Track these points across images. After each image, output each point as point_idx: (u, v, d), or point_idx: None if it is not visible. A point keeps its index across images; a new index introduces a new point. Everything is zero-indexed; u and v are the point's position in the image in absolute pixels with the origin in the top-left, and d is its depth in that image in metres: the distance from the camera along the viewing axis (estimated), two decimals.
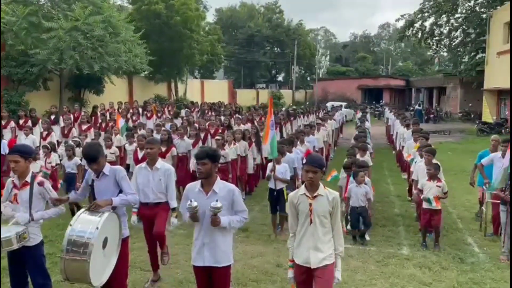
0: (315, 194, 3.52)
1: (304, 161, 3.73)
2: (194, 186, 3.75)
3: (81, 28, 16.19)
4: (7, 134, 10.44)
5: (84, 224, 3.56)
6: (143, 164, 5.02)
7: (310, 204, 3.50)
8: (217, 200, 3.47)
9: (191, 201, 3.53)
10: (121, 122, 11.34)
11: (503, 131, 21.27)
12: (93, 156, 3.95)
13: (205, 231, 3.64)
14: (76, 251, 3.45)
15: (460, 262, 5.96)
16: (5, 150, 8.79)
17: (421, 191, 6.57)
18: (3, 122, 11.00)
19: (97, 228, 3.50)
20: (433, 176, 6.47)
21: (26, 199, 3.92)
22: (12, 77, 17.00)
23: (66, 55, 16.02)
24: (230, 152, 8.34)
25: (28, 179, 3.96)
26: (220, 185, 3.68)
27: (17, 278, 4.02)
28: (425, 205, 6.46)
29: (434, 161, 6.77)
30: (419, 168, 7.05)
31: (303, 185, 3.60)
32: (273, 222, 7.01)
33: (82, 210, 3.76)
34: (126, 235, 4.13)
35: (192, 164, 8.60)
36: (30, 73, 16.54)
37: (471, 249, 6.54)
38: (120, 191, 4.03)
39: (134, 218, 5.07)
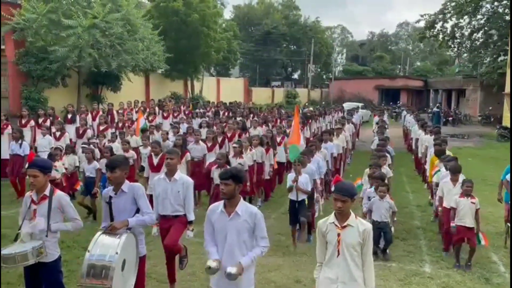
0: (345, 224, 3.32)
1: (333, 188, 3.54)
2: (217, 207, 3.63)
3: (100, 25, 16.24)
4: (27, 133, 10.46)
5: (103, 248, 3.49)
6: (162, 175, 4.94)
7: (339, 235, 3.32)
8: (228, 268, 3.35)
9: (210, 260, 3.45)
10: (141, 121, 11.33)
11: None
12: (111, 164, 3.96)
13: (227, 255, 3.51)
14: (97, 276, 3.38)
15: (486, 283, 5.74)
16: (26, 151, 8.82)
17: (454, 209, 6.27)
18: (23, 121, 11.06)
19: (117, 253, 3.44)
20: (467, 193, 6.20)
21: (45, 213, 3.87)
22: (31, 74, 17.15)
23: (84, 53, 16.09)
24: (247, 159, 8.21)
25: (46, 192, 3.90)
26: (243, 207, 3.55)
27: None
28: (458, 222, 6.19)
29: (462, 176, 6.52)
30: (444, 184, 6.74)
31: (333, 214, 3.41)
32: (293, 234, 6.88)
33: (99, 233, 3.68)
34: (143, 253, 4.06)
35: (212, 171, 8.52)
36: (49, 69, 16.67)
37: (496, 267, 6.30)
38: (138, 209, 3.96)
39: (154, 230, 5.05)
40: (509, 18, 27.07)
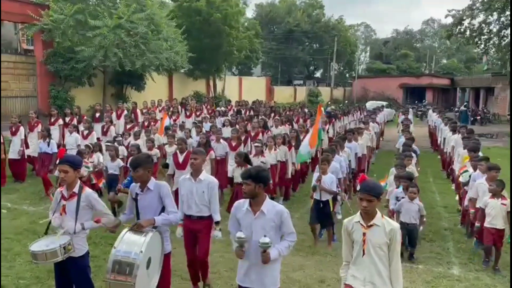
0: (371, 223, 3.26)
1: (359, 187, 3.47)
2: (242, 204, 3.62)
3: (125, 25, 16.50)
4: (55, 132, 10.72)
5: (129, 245, 3.53)
6: (187, 175, 4.94)
7: (364, 234, 3.26)
8: (265, 236, 3.34)
9: (240, 231, 3.46)
10: (166, 121, 11.46)
11: None
12: (133, 163, 4.00)
13: (253, 252, 3.51)
14: (122, 273, 3.42)
15: None
16: (54, 149, 9.04)
17: (483, 210, 6.12)
18: (52, 119, 11.33)
19: (141, 252, 3.47)
20: (497, 193, 6.02)
21: (73, 210, 3.93)
22: (59, 73, 17.59)
23: (110, 52, 16.39)
24: (269, 158, 8.17)
25: (76, 190, 3.96)
26: (269, 206, 3.53)
27: None
28: (488, 224, 6.02)
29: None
30: (479, 185, 6.48)
31: (358, 212, 3.35)
32: (313, 231, 6.81)
33: (125, 230, 3.73)
34: (168, 251, 4.09)
35: (230, 167, 8.54)
36: (75, 69, 17.06)
37: None
38: (164, 207, 3.99)
39: (179, 230, 5.04)
40: None
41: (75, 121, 11.24)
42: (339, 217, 7.61)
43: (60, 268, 3.98)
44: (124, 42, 16.65)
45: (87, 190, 4.02)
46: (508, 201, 6.05)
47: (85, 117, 11.68)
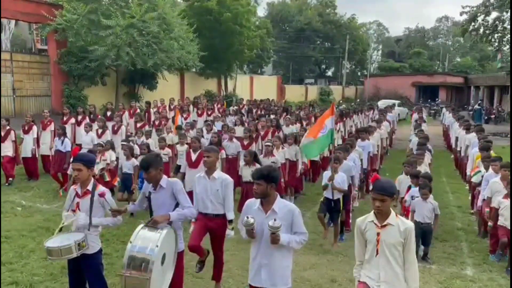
0: (385, 223, 3.23)
1: (371, 186, 3.44)
2: (254, 203, 3.63)
3: (137, 25, 16.62)
4: (67, 130, 10.81)
5: (144, 241, 3.56)
6: (202, 173, 4.95)
7: (378, 234, 3.23)
8: (275, 220, 3.33)
9: (247, 217, 3.44)
10: (180, 120, 11.52)
11: None
12: (144, 164, 4.01)
13: (263, 252, 3.51)
14: (137, 268, 3.45)
15: None
16: (67, 147, 9.14)
17: (496, 209, 6.06)
18: (64, 118, 11.46)
19: (157, 246, 3.50)
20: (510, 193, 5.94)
21: (87, 208, 3.98)
22: (72, 73, 17.78)
23: (122, 52, 16.52)
24: (279, 157, 8.15)
25: (89, 187, 4.01)
26: (280, 205, 3.53)
27: (76, 286, 4.09)
28: (501, 223, 5.96)
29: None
30: (493, 184, 6.41)
31: (372, 212, 3.32)
32: (321, 220, 6.79)
33: (141, 226, 3.76)
34: (182, 249, 4.11)
35: (240, 169, 8.54)
36: (89, 68, 17.23)
37: None
38: (177, 204, 4.01)
39: (192, 228, 5.05)
40: None
41: (87, 120, 11.34)
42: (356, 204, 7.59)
43: (73, 265, 4.03)
44: (136, 41, 16.77)
45: (101, 187, 4.06)
46: None
47: (99, 116, 11.78)
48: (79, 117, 11.75)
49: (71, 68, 17.65)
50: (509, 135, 23.02)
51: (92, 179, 4.09)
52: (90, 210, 3.95)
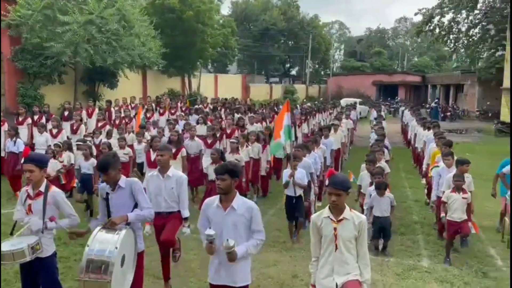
0: (340, 217, 3.29)
1: (327, 181, 3.51)
2: (212, 201, 3.61)
3: (96, 21, 16.14)
4: (23, 131, 10.39)
5: (102, 243, 3.46)
6: (155, 172, 4.89)
7: (335, 229, 3.29)
8: (228, 240, 3.30)
9: (209, 228, 3.40)
10: (142, 119, 11.32)
11: None
12: (102, 166, 3.89)
13: (223, 250, 3.50)
14: (96, 272, 3.35)
15: (483, 277, 5.73)
16: (20, 148, 8.77)
17: (444, 203, 6.29)
18: (20, 118, 10.98)
19: (116, 248, 3.41)
20: (458, 187, 6.20)
21: (40, 209, 3.84)
22: (27, 71, 17.04)
23: (80, 48, 16.01)
24: (243, 155, 8.17)
25: (42, 188, 3.87)
26: (239, 202, 3.53)
27: None
28: (448, 217, 6.19)
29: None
30: (450, 179, 6.49)
31: (327, 207, 3.38)
32: (290, 230, 6.87)
33: (98, 228, 3.65)
34: (142, 249, 4.04)
35: (205, 163, 8.48)
36: (45, 66, 16.57)
37: (494, 262, 6.29)
38: (136, 205, 3.93)
39: (147, 228, 4.99)
40: (507, 12, 27.06)
41: (43, 120, 10.93)
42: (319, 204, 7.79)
43: (26, 269, 3.88)
44: (95, 38, 16.27)
45: (54, 189, 3.93)
46: (468, 195, 6.24)
47: (53, 116, 11.37)
48: (36, 117, 11.30)
49: (26, 66, 16.88)
50: (463, 132, 24.15)
51: (45, 180, 3.94)
52: (43, 212, 3.81)
